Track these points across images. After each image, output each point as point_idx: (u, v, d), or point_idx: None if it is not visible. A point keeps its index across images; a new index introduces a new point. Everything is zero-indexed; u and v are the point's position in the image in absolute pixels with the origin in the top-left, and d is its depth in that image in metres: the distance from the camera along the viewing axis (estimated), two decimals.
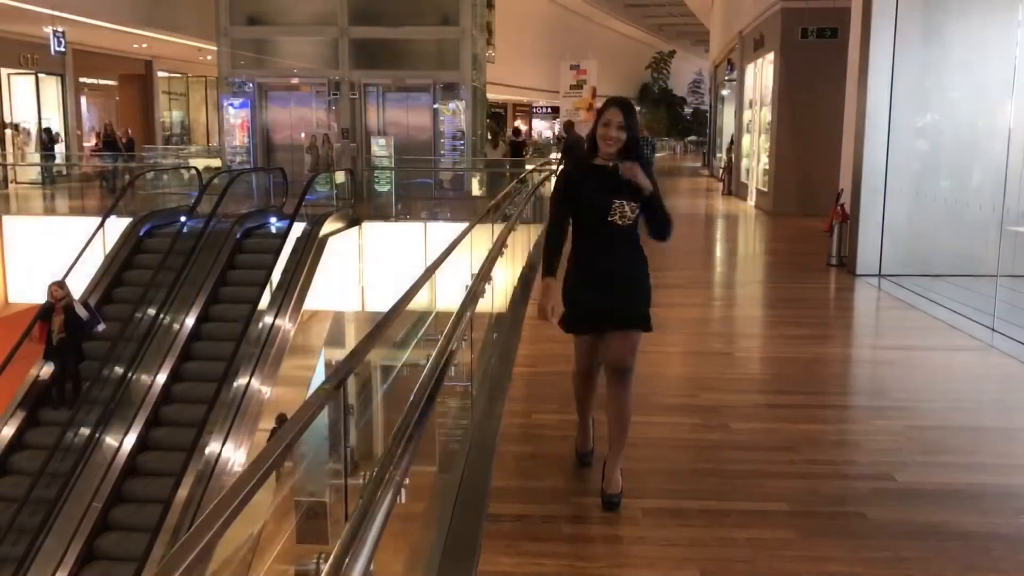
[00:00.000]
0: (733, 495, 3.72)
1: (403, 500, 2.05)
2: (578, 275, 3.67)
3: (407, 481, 2.11)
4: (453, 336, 3.50)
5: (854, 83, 9.41)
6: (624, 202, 3.51)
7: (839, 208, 9.61)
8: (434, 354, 3.15)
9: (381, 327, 3.23)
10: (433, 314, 4.47)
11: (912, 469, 4.05)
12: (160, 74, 27.97)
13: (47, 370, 9.75)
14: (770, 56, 16.07)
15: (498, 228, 7.30)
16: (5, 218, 14.07)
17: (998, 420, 4.92)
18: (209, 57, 22.21)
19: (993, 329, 6.72)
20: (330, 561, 1.62)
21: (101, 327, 9.96)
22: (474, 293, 4.40)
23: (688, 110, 56.89)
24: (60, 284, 9.65)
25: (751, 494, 3.74)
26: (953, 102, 9.14)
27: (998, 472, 4.06)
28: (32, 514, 8.27)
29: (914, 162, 9.12)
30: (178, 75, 29.60)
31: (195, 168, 15.50)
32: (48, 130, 22.80)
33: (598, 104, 35.29)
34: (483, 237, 6.74)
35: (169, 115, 29.78)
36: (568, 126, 18.84)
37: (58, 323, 9.49)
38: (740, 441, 4.40)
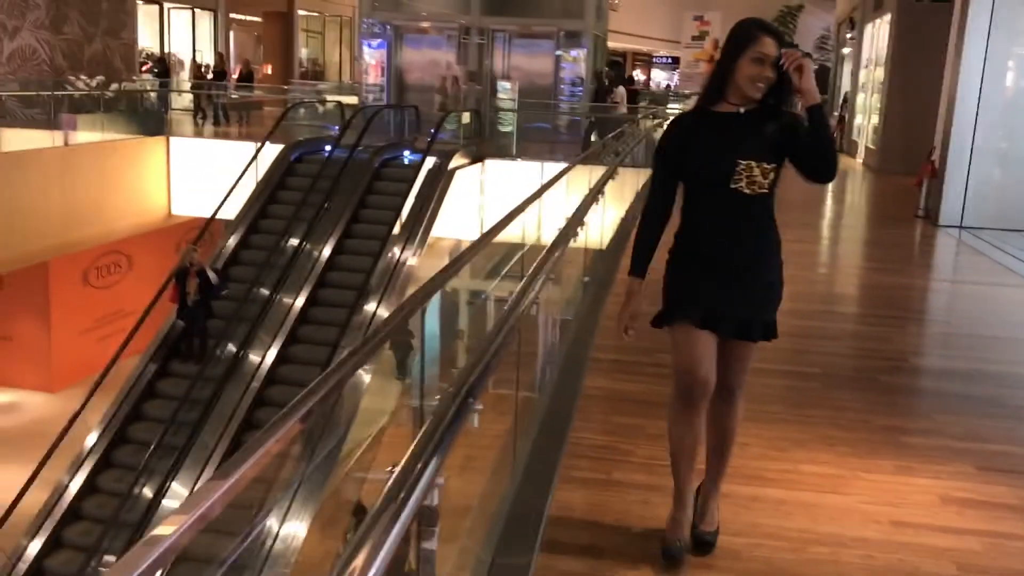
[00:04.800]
0: (784, 361, 4.84)
1: (476, 424, 2.08)
2: (686, 257, 2.72)
3: (480, 406, 2.10)
4: (542, 269, 3.38)
5: (953, 45, 10.06)
6: (754, 163, 2.56)
7: (930, 164, 10.32)
8: (520, 287, 3.09)
9: (458, 263, 3.16)
10: (527, 248, 4.61)
11: (925, 357, 5.16)
12: (300, 12, 29.70)
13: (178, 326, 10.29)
14: (887, 17, 16.44)
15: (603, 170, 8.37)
16: (172, 139, 15.88)
17: (1016, 331, 5.96)
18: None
19: None
20: (398, 470, 1.62)
21: (225, 292, 10.42)
22: (567, 232, 4.29)
23: (814, 67, 55.81)
24: (194, 248, 10.13)
25: (797, 361, 4.87)
26: None
27: (996, 363, 5.09)
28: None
29: (1001, 124, 9.78)
30: (315, 14, 31.29)
31: (339, 102, 16.96)
32: (163, 59, 23.57)
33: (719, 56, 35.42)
34: (586, 178, 7.84)
35: (306, 52, 31.56)
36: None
37: (193, 285, 9.84)
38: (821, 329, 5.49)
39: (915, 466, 3.58)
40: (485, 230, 3.73)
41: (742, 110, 2.62)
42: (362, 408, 8.29)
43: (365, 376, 10.10)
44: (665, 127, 2.83)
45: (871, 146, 17.48)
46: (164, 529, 1.32)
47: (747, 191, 2.58)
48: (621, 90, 17.64)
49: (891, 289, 7.15)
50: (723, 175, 2.58)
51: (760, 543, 2.92)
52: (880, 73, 17.02)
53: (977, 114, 9.57)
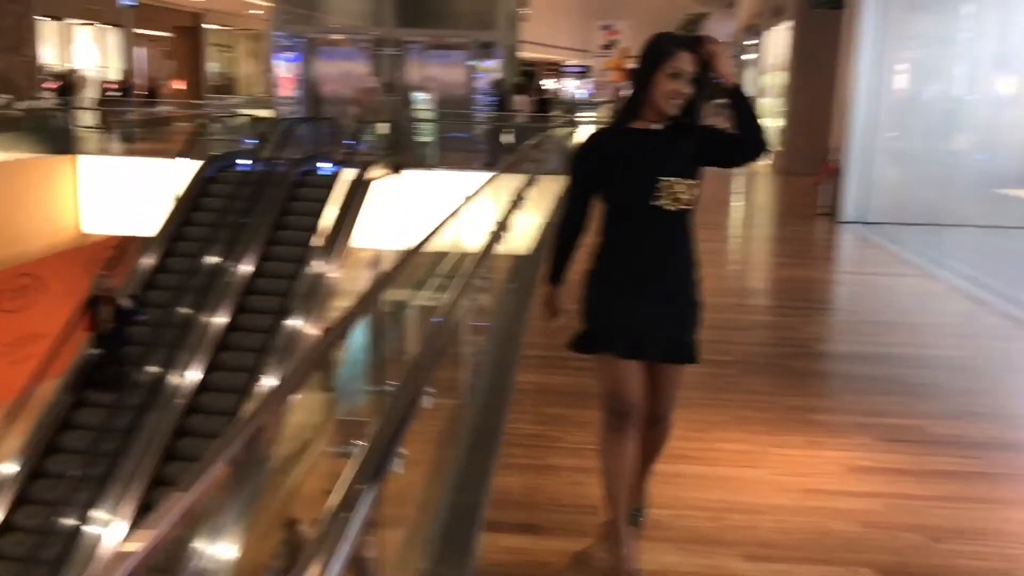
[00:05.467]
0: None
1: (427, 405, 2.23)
2: (607, 277, 2.67)
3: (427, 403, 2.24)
4: (471, 275, 3.53)
5: (847, 51, 10.63)
6: (676, 180, 2.56)
7: (828, 165, 10.87)
8: (450, 292, 3.24)
9: (390, 277, 3.25)
10: (458, 255, 4.78)
11: (830, 343, 5.55)
12: (209, 27, 29.33)
13: (91, 354, 9.89)
14: (787, 24, 17.14)
15: (523, 178, 8.62)
16: (81, 157, 15.58)
17: (913, 317, 6.36)
18: (255, 12, 23.51)
19: (941, 265, 8.08)
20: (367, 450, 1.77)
21: (143, 316, 10.13)
22: (493, 238, 4.45)
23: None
24: (106, 275, 9.91)
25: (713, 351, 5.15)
26: (937, 71, 10.40)
27: (895, 346, 5.47)
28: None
29: (895, 124, 10.38)
30: (225, 28, 30.93)
31: (253, 115, 16.89)
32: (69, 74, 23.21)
33: (630, 65, 35.88)
34: (508, 186, 8.07)
35: (216, 67, 31.16)
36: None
37: (107, 313, 9.61)
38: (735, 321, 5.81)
39: (822, 440, 3.89)
40: (405, 240, 3.85)
41: (659, 127, 2.59)
42: (290, 423, 8.30)
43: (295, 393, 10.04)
44: (582, 142, 2.76)
45: (778, 148, 18.16)
46: (129, 546, 1.38)
47: (670, 208, 2.57)
48: (521, 98, 17.96)
49: (798, 282, 7.55)
50: (645, 193, 2.55)
51: (683, 514, 3.16)
52: (782, 78, 17.72)
53: (872, 115, 10.12)
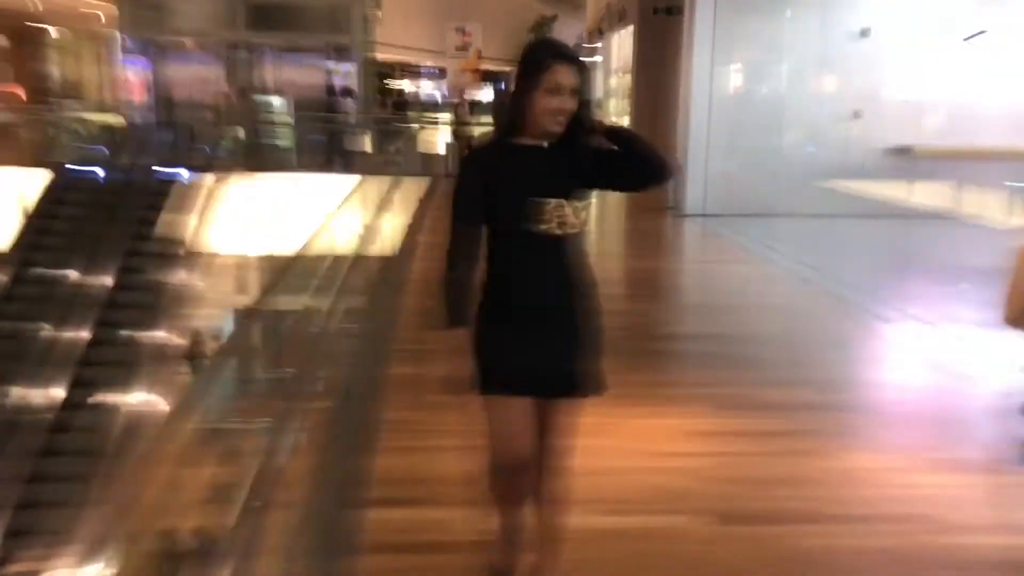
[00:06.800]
0: None
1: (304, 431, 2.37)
2: (494, 312, 2.46)
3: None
4: (347, 281, 3.79)
5: (685, 52, 11.46)
6: (565, 201, 2.37)
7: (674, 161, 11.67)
8: (330, 297, 3.45)
9: (274, 285, 3.34)
10: (330, 260, 4.83)
11: (677, 326, 6.18)
12: (51, 30, 28.05)
13: None
14: (630, 28, 18.03)
15: (387, 181, 8.98)
16: None
17: (748, 299, 7.08)
18: (101, 15, 22.74)
19: (770, 249, 8.94)
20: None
21: None
22: (363, 241, 4.75)
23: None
24: None
25: None
26: (765, 71, 11.35)
27: (733, 326, 6.13)
28: None
29: (730, 122, 11.27)
30: (68, 31, 29.62)
31: (105, 123, 16.46)
32: None
33: (485, 66, 36.36)
34: (373, 188, 8.41)
35: (60, 71, 29.85)
36: None
37: None
38: None
39: (666, 410, 4.43)
40: (266, 245, 4.02)
41: (545, 144, 2.38)
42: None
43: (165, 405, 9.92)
44: (461, 163, 2.49)
45: None
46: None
47: (558, 232, 2.37)
48: (349, 102, 18.19)
49: (647, 272, 8.21)
50: (531, 216, 2.34)
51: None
52: (628, 80, 18.62)
53: (707, 114, 10.97)
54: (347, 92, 18.22)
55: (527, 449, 2.41)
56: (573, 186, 2.39)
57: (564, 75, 2.28)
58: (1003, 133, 11.02)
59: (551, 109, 2.30)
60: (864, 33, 11.08)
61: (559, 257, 2.43)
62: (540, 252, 2.39)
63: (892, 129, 11.24)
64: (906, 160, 11.12)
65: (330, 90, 18.49)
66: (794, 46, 11.36)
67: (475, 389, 2.45)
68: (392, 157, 10.85)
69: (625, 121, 18.79)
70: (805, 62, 11.35)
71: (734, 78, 11.37)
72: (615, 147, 2.38)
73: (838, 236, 10.32)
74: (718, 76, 11.10)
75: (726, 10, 10.99)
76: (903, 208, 11.02)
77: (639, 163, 2.40)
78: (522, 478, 2.42)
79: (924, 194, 11.04)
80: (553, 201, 2.35)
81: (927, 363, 5.47)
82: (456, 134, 17.75)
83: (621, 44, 19.75)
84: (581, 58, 2.39)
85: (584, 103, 2.33)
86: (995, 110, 11.25)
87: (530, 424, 2.44)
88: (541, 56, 2.32)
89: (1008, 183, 10.04)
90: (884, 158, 11.22)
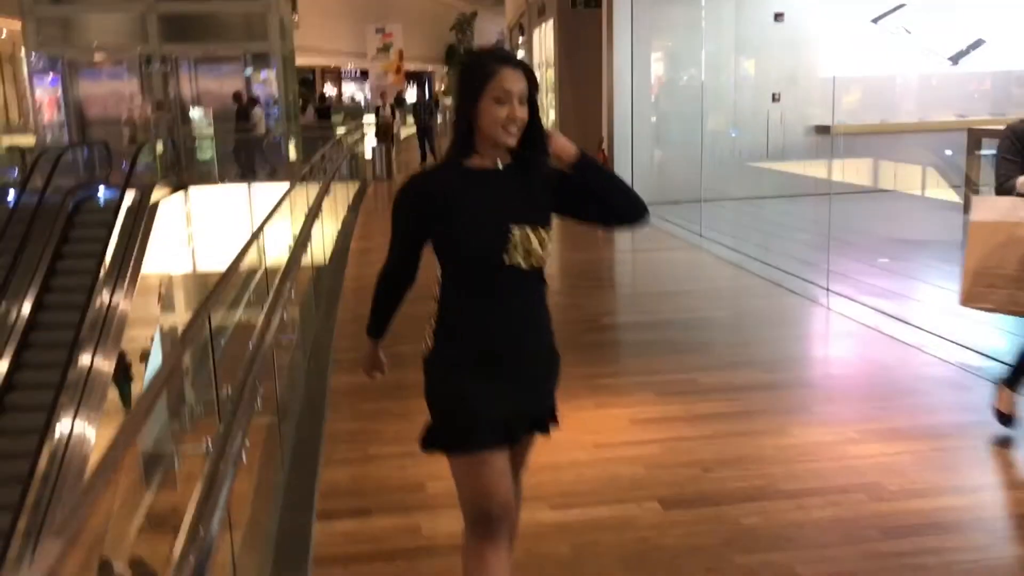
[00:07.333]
0: None
1: (246, 450, 2.27)
2: (456, 358, 2.18)
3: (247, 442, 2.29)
4: (281, 294, 3.61)
5: (605, 44, 11.54)
6: (530, 229, 2.12)
7: (602, 152, 11.73)
8: (264, 312, 3.37)
9: (211, 300, 3.26)
10: (261, 272, 4.74)
11: (614, 315, 6.21)
12: None
13: None
14: (551, 22, 18.10)
15: (316, 187, 8.84)
16: None
17: (684, 285, 7.15)
18: (4, 30, 22.02)
19: (701, 235, 9.04)
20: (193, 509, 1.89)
21: None
22: (296, 252, 4.63)
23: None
24: None
25: None
26: (686, 58, 11.49)
27: (669, 312, 6.18)
28: None
29: (653, 110, 11.39)
30: None
31: (14, 145, 15.94)
32: None
33: (408, 67, 36.01)
34: (302, 196, 8.26)
35: None
36: None
37: None
38: None
39: (609, 400, 4.44)
40: (198, 259, 3.96)
41: (500, 165, 2.14)
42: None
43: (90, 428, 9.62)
44: (405, 184, 2.21)
45: None
46: None
47: (524, 266, 2.11)
48: (258, 111, 17.91)
49: (582, 263, 8.21)
50: (495, 249, 2.09)
51: None
52: (551, 74, 18.68)
53: (631, 103, 11.06)
54: (254, 101, 17.90)
55: (510, 493, 2.18)
56: (537, 212, 2.15)
57: (512, 80, 2.06)
58: (918, 109, 11.35)
59: (501, 119, 2.06)
60: (778, 18, 11.27)
61: (526, 293, 2.18)
62: (505, 290, 2.13)
63: (811, 110, 11.46)
64: (826, 139, 11.35)
65: (236, 96, 18.05)
66: (711, 33, 11.48)
67: (437, 448, 2.19)
68: (318, 163, 10.66)
69: (551, 116, 18.88)
70: (723, 48, 11.51)
71: (655, 67, 11.49)
72: (585, 182, 2.18)
73: (767, 217, 10.50)
74: (639, 66, 11.19)
75: (643, 0, 11.10)
76: (826, 185, 11.25)
77: (610, 204, 2.22)
78: (505, 522, 2.16)
79: (845, 171, 11.29)
80: (518, 230, 2.10)
81: (866, 336, 5.58)
82: (381, 136, 17.61)
83: (543, 39, 19.80)
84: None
85: (535, 111, 2.10)
86: (909, 86, 11.57)
87: (507, 471, 2.18)
88: (485, 62, 2.11)
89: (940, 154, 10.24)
90: (805, 138, 11.44)
